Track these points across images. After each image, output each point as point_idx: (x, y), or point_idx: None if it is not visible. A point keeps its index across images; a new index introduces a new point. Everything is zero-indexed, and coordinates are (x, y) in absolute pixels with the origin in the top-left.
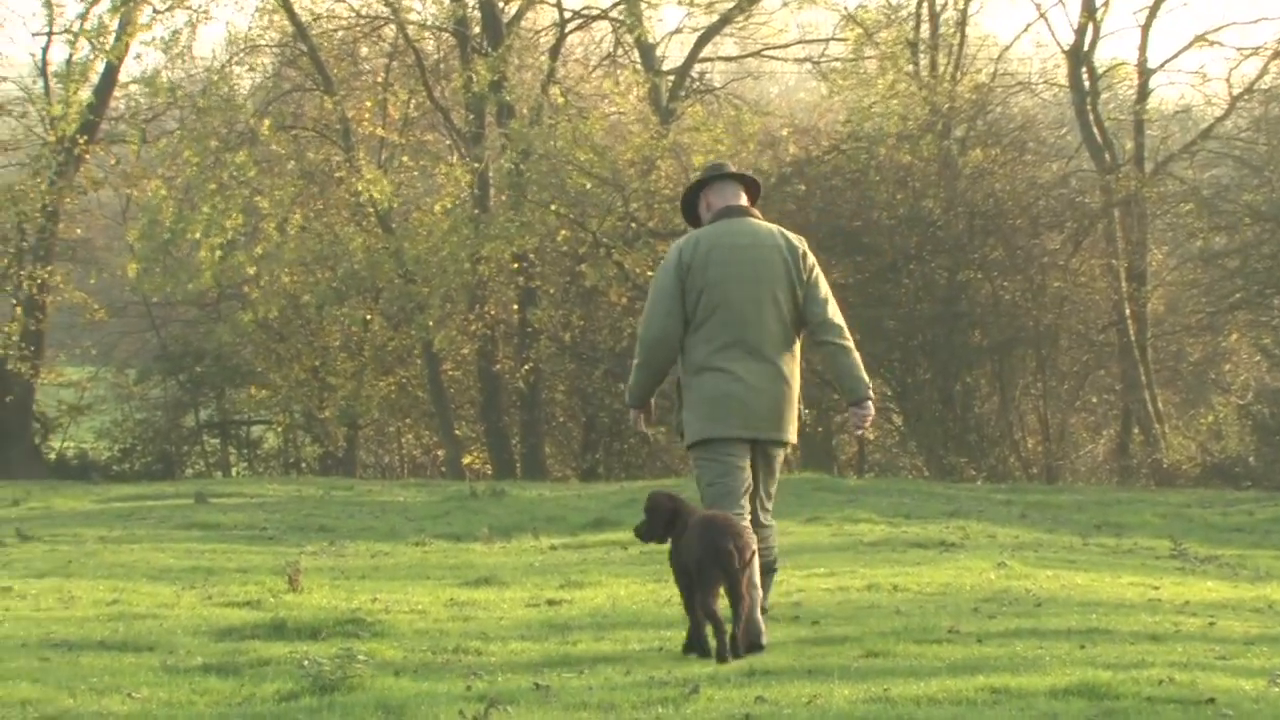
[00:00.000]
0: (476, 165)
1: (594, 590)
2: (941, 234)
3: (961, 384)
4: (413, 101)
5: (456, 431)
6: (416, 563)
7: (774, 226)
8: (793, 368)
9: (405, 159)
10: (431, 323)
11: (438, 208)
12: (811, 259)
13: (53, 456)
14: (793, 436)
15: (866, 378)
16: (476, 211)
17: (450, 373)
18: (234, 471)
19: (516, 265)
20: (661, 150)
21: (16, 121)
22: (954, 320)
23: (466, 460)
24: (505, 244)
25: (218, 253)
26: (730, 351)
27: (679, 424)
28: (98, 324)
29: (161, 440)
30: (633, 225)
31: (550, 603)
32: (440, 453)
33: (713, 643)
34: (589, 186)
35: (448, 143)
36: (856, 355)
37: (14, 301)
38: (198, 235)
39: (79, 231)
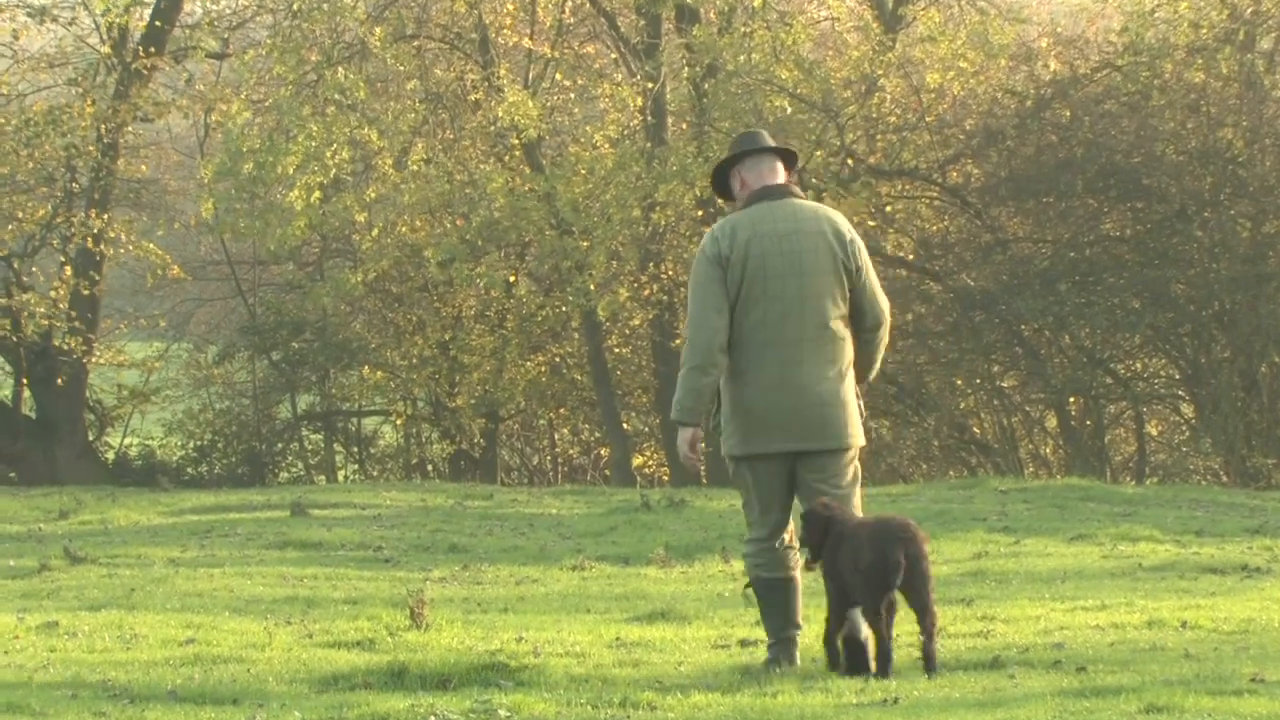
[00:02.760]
0: (650, 85)
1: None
2: (1243, 173)
3: (1269, 365)
4: (568, 4)
5: (624, 425)
6: (573, 592)
7: (819, 207)
8: (842, 366)
9: (559, 77)
10: (593, 286)
11: (600, 139)
12: (860, 244)
13: (111, 456)
14: (854, 440)
15: (875, 369)
16: (649, 144)
17: (617, 350)
18: (341, 476)
19: (700, 213)
20: (886, 66)
21: (65, 30)
22: (1259, 284)
23: (637, 462)
24: (685, 185)
25: (316, 194)
26: (770, 353)
27: (716, 426)
28: (169, 287)
29: (249, 436)
30: (849, 161)
31: (743, 643)
32: (604, 452)
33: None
34: (792, 112)
35: (613, 56)
36: (883, 347)
37: (61, 258)
38: (291, 171)
39: (144, 169)
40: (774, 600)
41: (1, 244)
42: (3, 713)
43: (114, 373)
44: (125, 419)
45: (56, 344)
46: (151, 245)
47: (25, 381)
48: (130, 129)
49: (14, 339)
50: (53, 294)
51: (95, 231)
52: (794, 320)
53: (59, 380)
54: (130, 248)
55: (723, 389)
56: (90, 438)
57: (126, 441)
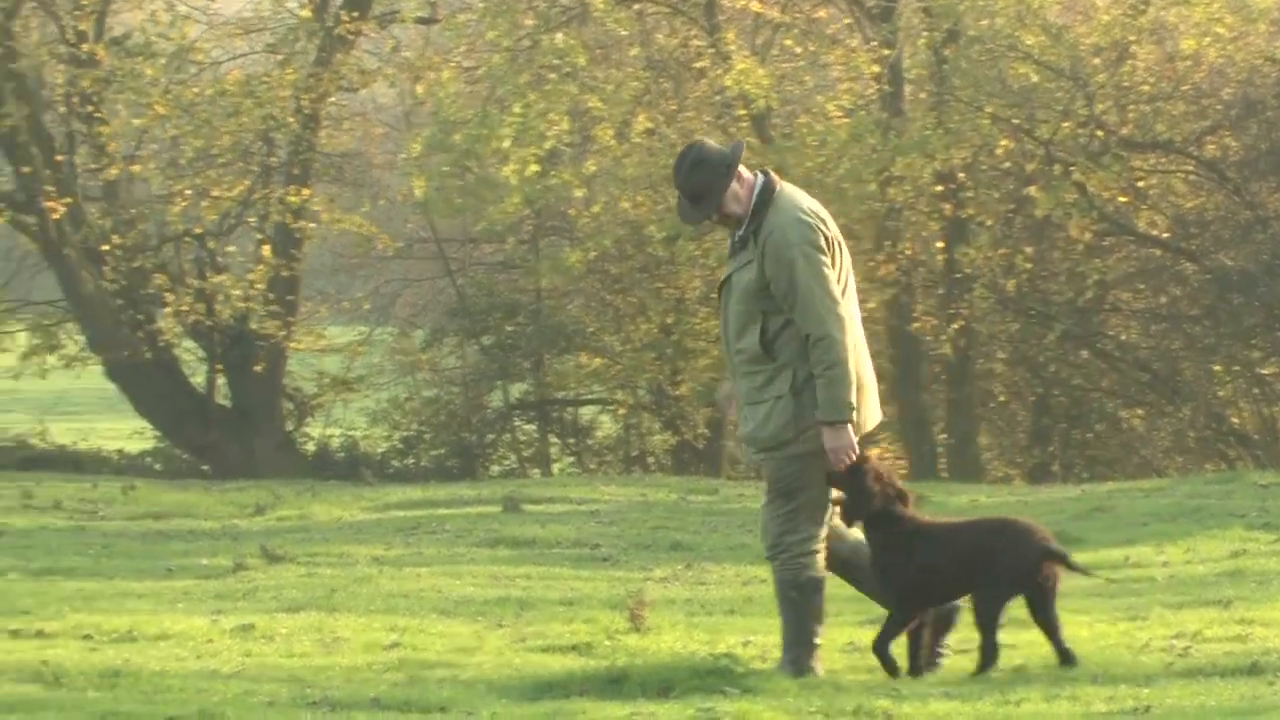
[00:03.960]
0: (886, 52)
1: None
2: None
3: None
4: None
5: None
6: None
7: None
8: None
9: (789, 43)
10: None
11: (833, 109)
12: None
13: (311, 448)
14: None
15: None
16: (886, 115)
17: None
18: (556, 469)
19: (940, 188)
20: (1138, 32)
21: None
22: None
23: (873, 453)
24: (925, 159)
25: (533, 168)
26: (860, 330)
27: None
28: (372, 267)
29: (459, 426)
30: (1098, 133)
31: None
32: None
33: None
34: (1038, 80)
35: (847, 21)
36: None
37: (259, 236)
38: (506, 144)
39: (346, 142)
40: (819, 600)
41: (196, 222)
42: None
43: (314, 359)
44: (326, 408)
45: (253, 328)
46: (358, 219)
47: (220, 368)
48: (332, 99)
49: (208, 323)
50: (250, 275)
51: (295, 208)
52: (856, 306)
53: (256, 367)
54: (333, 225)
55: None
56: (289, 428)
57: (328, 432)
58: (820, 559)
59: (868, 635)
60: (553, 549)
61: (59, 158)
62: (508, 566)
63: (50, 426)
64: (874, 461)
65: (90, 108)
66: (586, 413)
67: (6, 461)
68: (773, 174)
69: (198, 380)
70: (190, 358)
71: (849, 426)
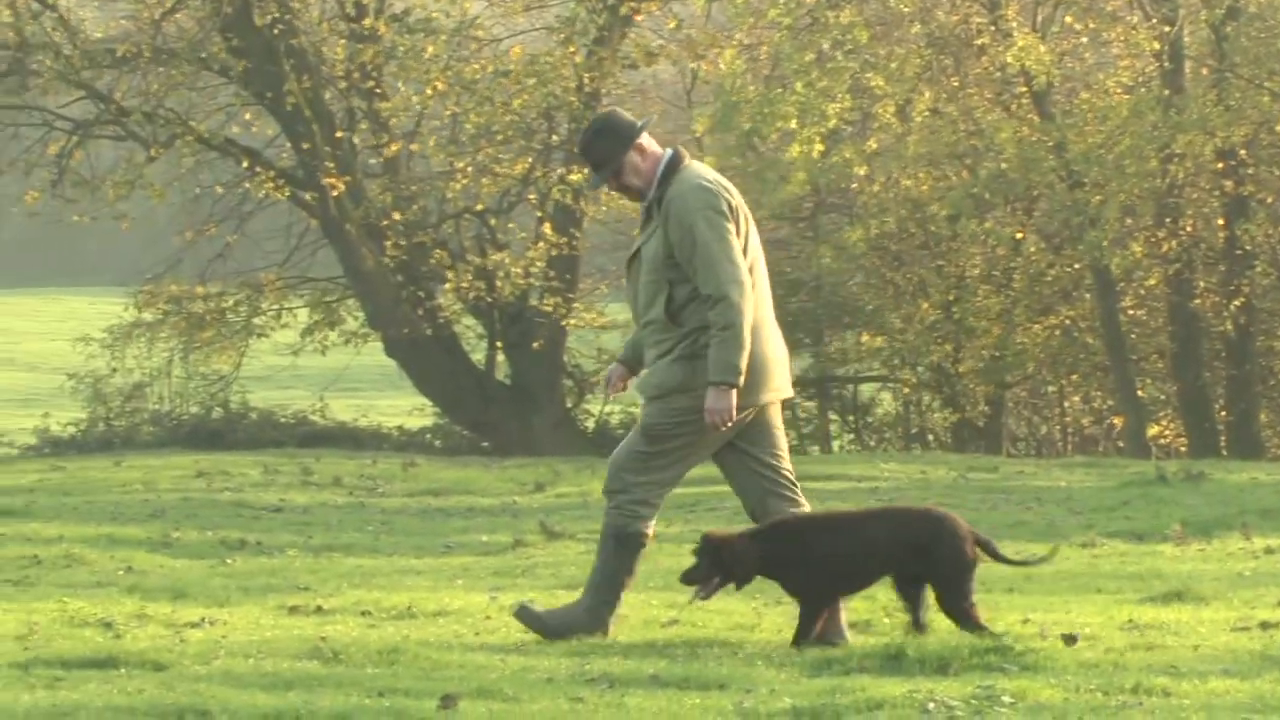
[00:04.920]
0: (1166, 29)
1: None
2: None
3: None
4: None
5: (1139, 393)
6: (1083, 570)
7: None
8: None
9: (1069, 20)
10: (1106, 242)
11: (1113, 86)
12: None
13: (590, 425)
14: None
15: None
16: (1166, 92)
17: (1131, 311)
18: (836, 445)
19: (1221, 165)
20: None
21: None
22: None
23: (1152, 432)
24: (1205, 136)
25: (817, 147)
26: (768, 305)
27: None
28: None
29: None
30: None
31: (1264, 625)
32: (1117, 421)
33: None
34: None
35: None
36: None
37: (539, 214)
38: (792, 124)
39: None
40: (633, 561)
41: (476, 199)
42: (474, 697)
43: (594, 335)
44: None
45: (533, 305)
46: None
47: (499, 345)
48: (613, 77)
49: (488, 300)
50: (529, 252)
51: (575, 187)
52: (765, 281)
53: (535, 344)
54: (611, 204)
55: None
56: (568, 405)
57: (607, 409)
58: (652, 522)
59: (1148, 613)
60: None
61: (339, 134)
62: None
63: (330, 403)
64: (718, 537)
65: (370, 84)
66: (866, 390)
67: (287, 438)
68: (682, 151)
69: (477, 357)
70: (470, 334)
71: (733, 392)
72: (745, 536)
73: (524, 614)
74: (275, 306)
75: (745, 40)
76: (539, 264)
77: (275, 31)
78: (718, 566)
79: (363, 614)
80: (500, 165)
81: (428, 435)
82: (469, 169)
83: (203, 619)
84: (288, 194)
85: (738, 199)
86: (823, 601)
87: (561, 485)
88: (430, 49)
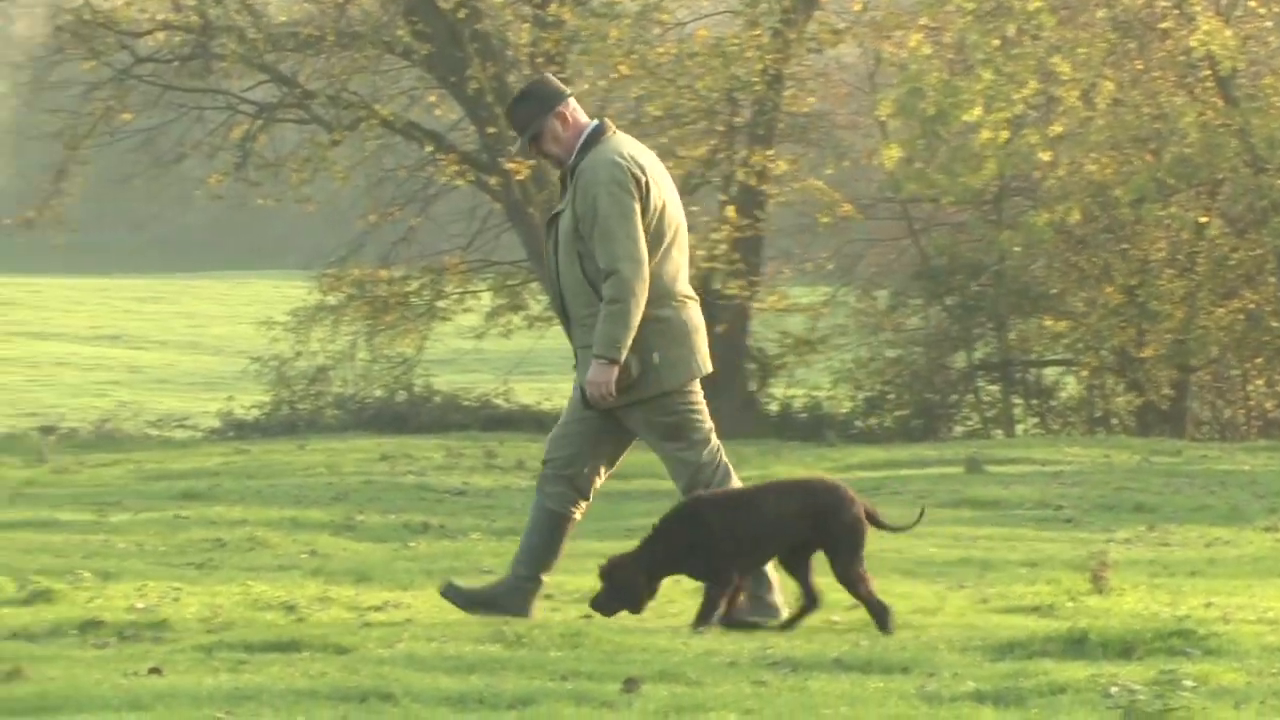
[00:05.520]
0: None
1: None
2: None
3: None
4: None
5: None
6: (1266, 554)
7: None
8: None
9: (1253, 4)
10: None
11: None
12: None
13: (774, 408)
14: None
15: None
16: None
17: None
18: (1019, 429)
19: None
20: None
21: None
22: None
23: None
24: None
25: (1004, 134)
26: (687, 279)
27: (647, 365)
28: (836, 228)
29: (922, 387)
30: None
31: None
32: None
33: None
34: None
35: None
36: None
37: (722, 197)
38: (976, 113)
39: (810, 102)
40: (560, 540)
41: None
42: (657, 680)
43: (777, 319)
44: (789, 368)
45: (716, 288)
46: (819, 183)
47: None
48: (796, 59)
49: None
50: (713, 235)
51: (758, 169)
52: (686, 253)
53: (719, 327)
54: (796, 186)
55: (652, 319)
56: (752, 388)
57: (791, 392)
58: (584, 505)
59: None
60: (1015, 510)
61: None
62: (970, 527)
63: (514, 386)
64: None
65: (554, 68)
66: (1050, 374)
67: (470, 421)
68: (608, 123)
69: None
70: None
71: (614, 367)
72: (634, 560)
73: (449, 591)
74: (459, 290)
75: (931, 24)
76: (722, 247)
77: (460, 16)
78: (620, 594)
79: (545, 597)
80: (684, 148)
81: None
82: (653, 151)
83: (385, 602)
84: (471, 178)
85: (652, 174)
86: (729, 582)
87: (744, 469)
88: (614, 33)
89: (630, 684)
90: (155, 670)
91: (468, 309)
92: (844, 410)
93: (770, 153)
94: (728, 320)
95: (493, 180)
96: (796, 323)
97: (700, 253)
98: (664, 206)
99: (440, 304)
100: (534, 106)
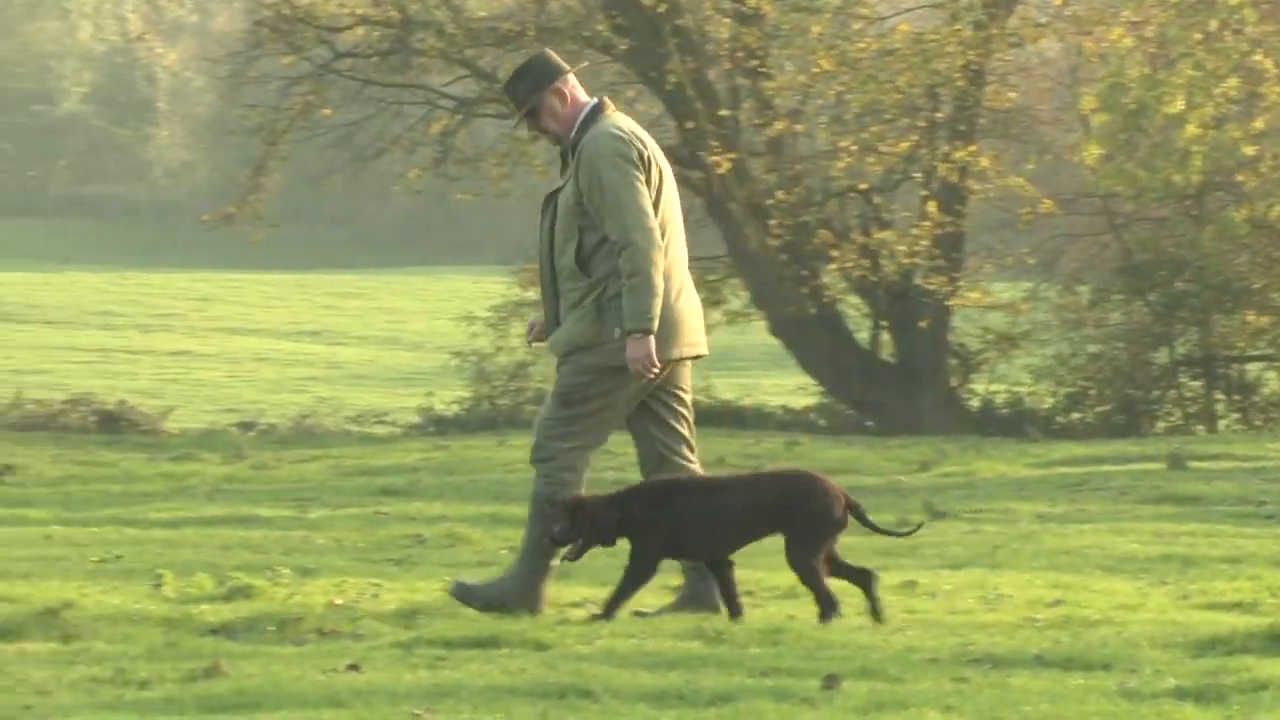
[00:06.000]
0: None
1: None
2: None
3: None
4: None
5: None
6: None
7: None
8: None
9: None
10: None
11: None
12: None
13: (975, 404)
14: None
15: None
16: None
17: None
18: (1221, 425)
19: None
20: None
21: None
22: None
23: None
24: None
25: (1210, 132)
26: (683, 260)
27: (607, 336)
28: (1038, 224)
29: (1124, 383)
30: None
31: None
32: None
33: None
34: None
35: None
36: None
37: (923, 193)
38: (1179, 105)
39: (1012, 98)
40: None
41: (861, 178)
42: (857, 677)
43: (979, 315)
44: (991, 364)
45: (918, 284)
46: (1020, 179)
47: (884, 324)
48: (998, 55)
49: (872, 279)
50: (914, 231)
51: (960, 165)
52: (680, 235)
53: (920, 323)
54: (997, 182)
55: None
56: (953, 384)
57: (992, 388)
58: (581, 488)
59: None
60: (1217, 506)
61: (723, 113)
62: (1172, 523)
63: (715, 382)
64: (579, 499)
65: (754, 63)
66: (1252, 369)
67: None
68: (607, 101)
69: (861, 336)
70: (854, 313)
71: (650, 338)
72: (604, 500)
73: (458, 590)
74: None
75: (1133, 18)
76: (923, 242)
77: (660, 10)
78: (580, 528)
79: (746, 593)
80: (885, 143)
81: (812, 414)
82: (853, 147)
83: (584, 599)
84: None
85: (652, 150)
86: (649, 570)
87: (946, 465)
88: (815, 27)
89: (830, 680)
90: (354, 667)
91: None
92: (1045, 406)
93: (973, 149)
94: (929, 316)
95: (694, 175)
96: (998, 319)
97: (901, 248)
98: (661, 185)
99: None
100: (532, 82)
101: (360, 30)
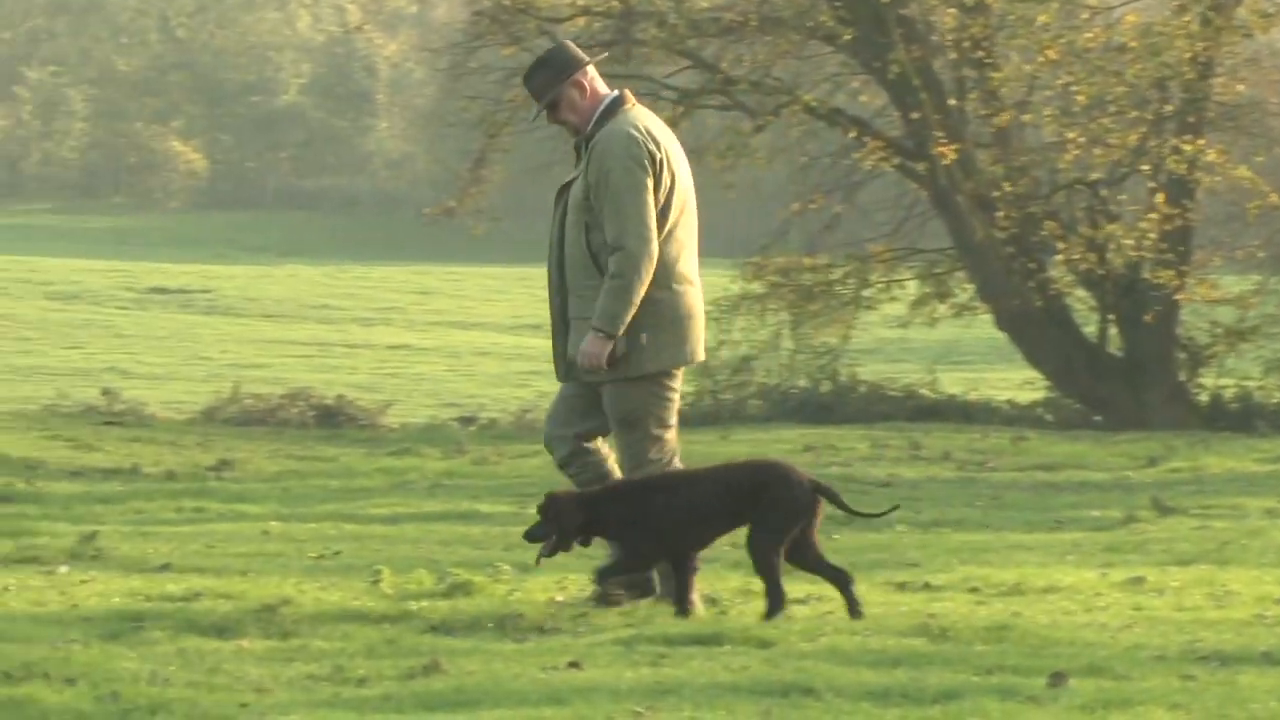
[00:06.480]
0: None
1: None
2: None
3: None
4: None
5: None
6: None
7: None
8: None
9: None
10: None
11: None
12: None
13: (1204, 398)
14: None
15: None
16: None
17: None
18: None
19: None
20: None
21: None
22: None
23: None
24: None
25: None
26: (694, 262)
27: (634, 345)
28: (1267, 217)
29: None
30: None
31: None
32: None
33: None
34: None
35: None
36: None
37: (1151, 185)
38: None
39: (1241, 90)
40: None
41: (1087, 170)
42: (1083, 675)
43: (1208, 309)
44: (1220, 358)
45: (1145, 278)
46: (1246, 171)
47: (1111, 318)
48: (1226, 46)
49: (1100, 272)
50: (1141, 224)
51: (1189, 158)
52: (694, 234)
53: (1147, 317)
54: (1225, 174)
55: (649, 300)
56: (1181, 379)
57: (1221, 382)
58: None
59: None
60: None
61: (950, 103)
62: None
63: (940, 376)
64: (551, 495)
65: (981, 53)
66: None
67: (896, 411)
68: (628, 94)
69: (1089, 330)
70: (1081, 307)
71: (611, 342)
72: (574, 499)
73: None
74: (884, 279)
75: None
76: (1151, 236)
77: (884, 0)
78: (549, 526)
79: (971, 590)
80: (1113, 136)
81: (1038, 409)
82: (1081, 139)
83: (808, 595)
84: (896, 164)
85: (666, 151)
86: (645, 561)
87: (1174, 460)
88: (1042, 17)
89: (1057, 678)
90: (574, 664)
91: (893, 298)
92: (1275, 401)
93: (1201, 142)
94: (1157, 309)
95: (919, 166)
96: (1227, 312)
97: (1128, 242)
98: (674, 186)
99: (865, 293)
100: (551, 74)
101: (581, 21)
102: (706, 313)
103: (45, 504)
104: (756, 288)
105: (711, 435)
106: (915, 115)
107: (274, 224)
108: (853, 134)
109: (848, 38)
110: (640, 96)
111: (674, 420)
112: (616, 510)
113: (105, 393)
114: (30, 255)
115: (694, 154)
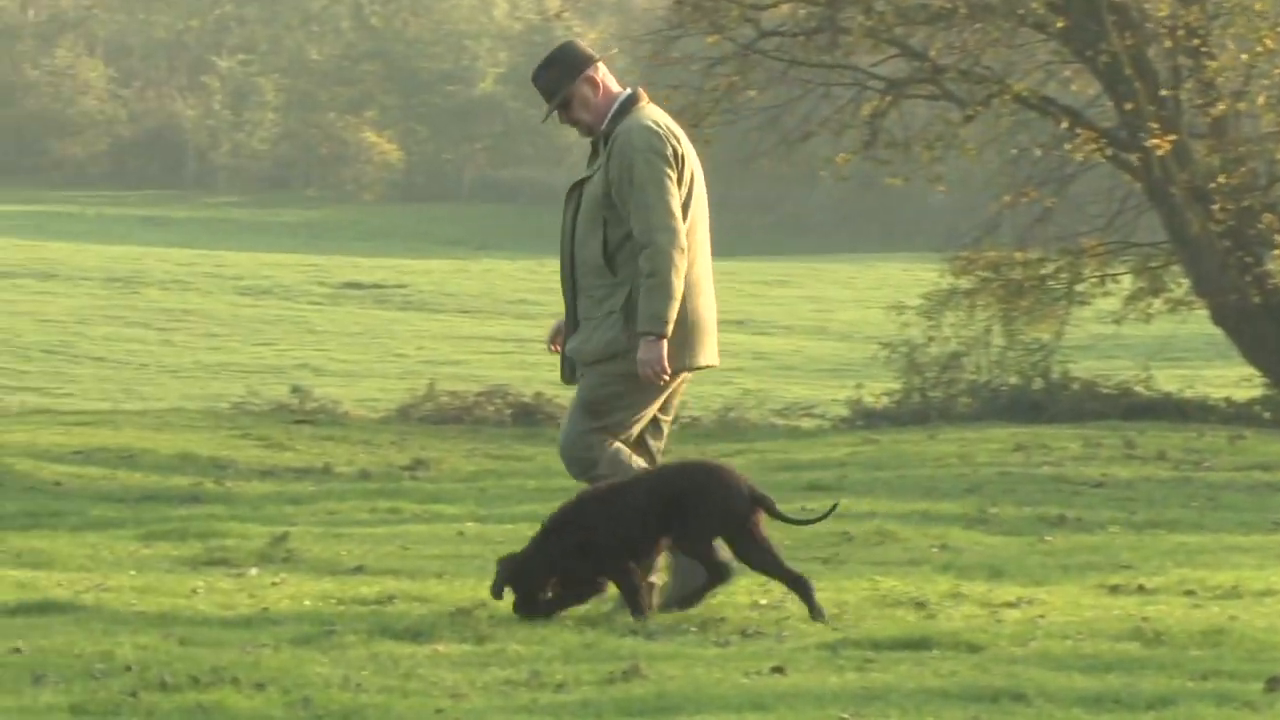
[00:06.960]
0: None
1: None
2: None
3: None
4: None
5: None
6: None
7: None
8: None
9: None
10: None
11: None
12: None
13: None
14: None
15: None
16: None
17: None
18: None
19: None
20: None
21: None
22: None
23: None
24: None
25: None
26: (705, 268)
27: (633, 339)
28: None
29: None
30: None
31: None
32: None
33: None
34: None
35: None
36: None
37: None
38: None
39: None
40: None
41: None
42: None
43: None
44: None
45: None
46: None
47: None
48: None
49: None
50: None
51: None
52: (706, 237)
53: None
54: None
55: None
56: None
57: None
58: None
59: None
60: None
61: (1164, 93)
62: None
63: (1155, 373)
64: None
65: (1196, 42)
66: None
67: (1110, 409)
68: (641, 91)
69: None
70: None
71: (663, 342)
72: (526, 555)
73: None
74: (1097, 273)
75: None
76: None
77: None
78: (514, 585)
79: (1186, 593)
80: None
81: (1256, 407)
82: None
83: (1019, 599)
84: (1109, 156)
85: (685, 148)
86: (627, 572)
87: None
88: (1259, 5)
89: (1274, 683)
90: (778, 669)
91: (1107, 292)
92: None
93: None
94: None
95: (1133, 158)
96: None
97: None
98: (692, 186)
99: (1078, 288)
100: (561, 72)
101: (786, 8)
102: (916, 308)
103: (235, 505)
104: (965, 283)
105: (919, 435)
106: (1129, 105)
107: (470, 217)
108: (1064, 124)
109: (1059, 25)
110: (845, 86)
111: (641, 424)
112: (564, 541)
113: (296, 390)
114: (219, 249)
115: (901, 145)
